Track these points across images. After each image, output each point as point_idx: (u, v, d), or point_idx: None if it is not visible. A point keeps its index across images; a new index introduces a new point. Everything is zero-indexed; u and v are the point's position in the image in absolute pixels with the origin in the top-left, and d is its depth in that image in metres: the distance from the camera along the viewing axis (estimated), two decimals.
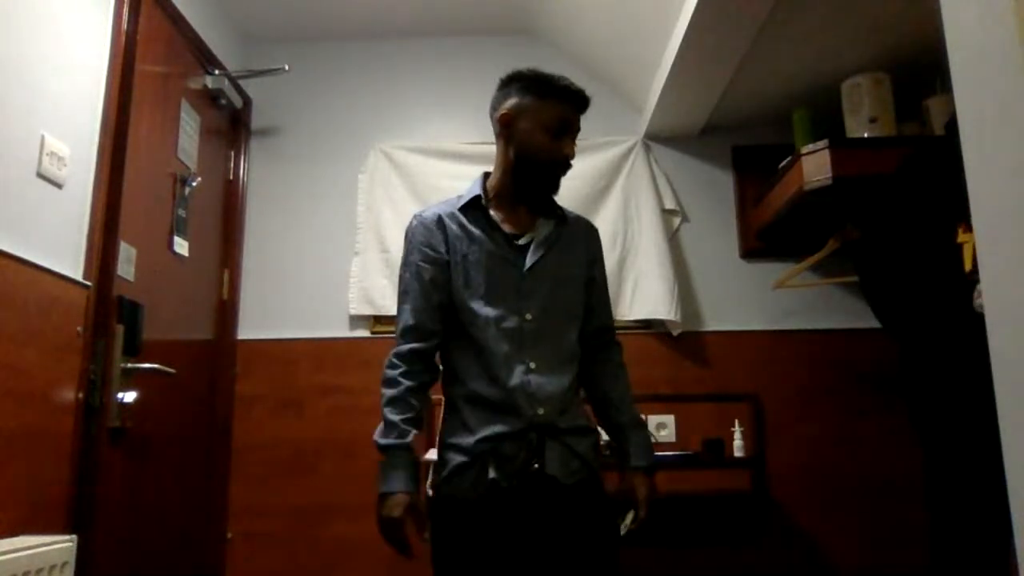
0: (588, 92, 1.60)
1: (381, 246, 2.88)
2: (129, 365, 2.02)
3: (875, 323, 2.68)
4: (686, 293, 2.84)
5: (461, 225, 1.54)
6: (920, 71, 2.39)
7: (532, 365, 1.47)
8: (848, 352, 2.77)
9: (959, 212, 1.66)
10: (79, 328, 1.86)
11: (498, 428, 1.44)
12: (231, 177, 2.91)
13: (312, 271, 2.92)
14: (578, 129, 1.61)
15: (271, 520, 2.70)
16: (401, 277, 1.56)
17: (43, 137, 1.77)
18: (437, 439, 1.56)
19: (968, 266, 1.63)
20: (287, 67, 2.84)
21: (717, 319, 2.86)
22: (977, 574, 1.61)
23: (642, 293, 2.79)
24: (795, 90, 2.66)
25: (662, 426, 2.75)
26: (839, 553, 2.65)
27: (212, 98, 2.71)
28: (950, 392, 1.71)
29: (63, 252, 1.85)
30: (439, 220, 1.55)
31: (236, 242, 2.89)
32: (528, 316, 1.48)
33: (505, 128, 1.57)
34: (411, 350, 1.49)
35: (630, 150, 2.94)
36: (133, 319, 2.06)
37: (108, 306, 1.96)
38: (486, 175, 1.63)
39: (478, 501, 1.42)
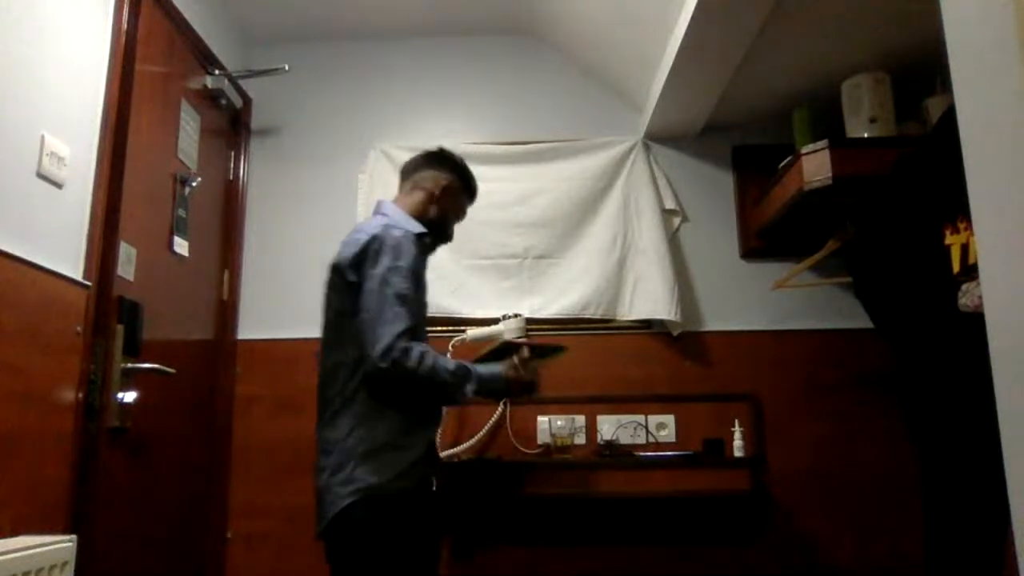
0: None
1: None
2: (129, 365, 2.02)
3: None
4: (686, 293, 2.84)
5: (420, 249, 1.81)
6: (920, 71, 2.39)
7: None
8: (848, 352, 2.77)
9: (947, 213, 1.66)
10: (79, 328, 1.86)
11: (432, 435, 1.80)
12: (231, 177, 2.91)
13: (312, 271, 2.89)
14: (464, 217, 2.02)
15: (271, 520, 2.70)
16: (393, 280, 1.68)
17: (43, 137, 1.77)
18: (371, 443, 1.67)
19: (956, 268, 1.63)
20: (287, 67, 2.84)
21: (717, 319, 2.86)
22: (972, 573, 1.61)
23: (642, 293, 2.79)
24: (795, 90, 2.66)
25: (662, 426, 2.75)
26: (839, 553, 2.65)
27: (212, 98, 2.71)
28: (940, 393, 1.71)
29: (63, 252, 1.85)
30: (418, 239, 1.80)
31: (236, 242, 2.89)
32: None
33: (442, 194, 1.90)
34: (411, 330, 1.68)
35: (630, 150, 2.94)
36: (133, 319, 2.06)
37: (108, 306, 1.96)
38: (391, 203, 1.93)
39: (416, 493, 1.68)
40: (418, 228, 1.83)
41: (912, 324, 1.78)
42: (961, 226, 1.63)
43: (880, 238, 1.93)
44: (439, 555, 1.85)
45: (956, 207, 1.64)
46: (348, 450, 1.65)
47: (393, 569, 1.61)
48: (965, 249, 1.62)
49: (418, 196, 1.91)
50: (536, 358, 1.85)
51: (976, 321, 1.49)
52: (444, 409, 1.89)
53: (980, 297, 1.50)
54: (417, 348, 1.64)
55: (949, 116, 1.78)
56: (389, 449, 1.66)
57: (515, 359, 1.78)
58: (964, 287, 1.59)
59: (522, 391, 1.80)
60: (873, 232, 1.98)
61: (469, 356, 1.92)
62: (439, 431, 1.88)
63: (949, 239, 1.65)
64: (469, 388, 1.70)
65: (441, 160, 1.95)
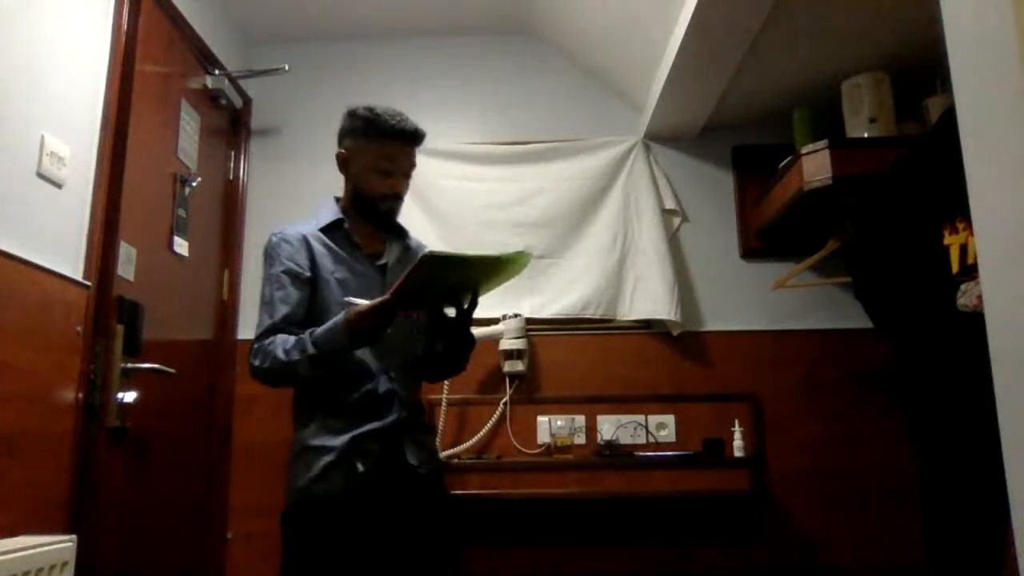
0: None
1: None
2: (129, 365, 2.02)
3: None
4: (686, 293, 2.84)
5: (326, 244, 1.67)
6: (920, 71, 2.39)
7: (393, 374, 1.64)
8: (848, 352, 2.77)
9: (946, 213, 1.66)
10: (79, 328, 1.86)
11: (365, 428, 1.58)
12: (231, 177, 2.91)
13: None
14: (411, 164, 1.73)
15: (271, 520, 2.68)
16: (264, 291, 1.63)
17: (43, 137, 1.77)
18: (292, 448, 1.66)
19: (955, 268, 1.63)
20: (287, 67, 2.84)
21: (717, 319, 2.86)
22: (972, 574, 1.61)
23: (642, 293, 2.79)
24: (795, 90, 2.66)
25: (662, 426, 2.75)
26: (839, 553, 2.65)
27: (212, 98, 2.71)
28: (939, 393, 1.71)
29: (63, 252, 1.85)
30: (303, 238, 1.65)
31: (236, 242, 2.89)
32: (391, 331, 1.53)
33: (342, 166, 1.75)
34: (275, 328, 1.58)
35: (630, 150, 2.94)
36: (133, 319, 2.06)
37: (108, 306, 1.96)
38: (337, 199, 1.78)
39: (346, 497, 1.54)
40: (316, 223, 1.70)
41: (911, 324, 1.78)
42: (960, 226, 1.63)
43: (879, 238, 1.93)
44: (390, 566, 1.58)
45: (955, 207, 1.64)
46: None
47: None
48: (964, 249, 1.62)
49: (343, 180, 1.78)
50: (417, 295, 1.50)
51: (975, 321, 1.49)
52: (388, 401, 1.62)
53: (979, 297, 1.51)
54: (261, 344, 1.56)
55: (949, 116, 1.78)
56: (307, 452, 1.60)
57: (360, 304, 1.49)
58: (963, 287, 1.60)
59: (373, 331, 1.48)
60: (873, 232, 1.98)
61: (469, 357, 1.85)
62: (380, 424, 1.60)
63: (948, 239, 1.66)
64: (308, 354, 1.50)
65: (342, 124, 1.78)
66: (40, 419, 1.71)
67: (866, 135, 2.40)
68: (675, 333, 2.81)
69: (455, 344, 1.63)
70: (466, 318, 1.55)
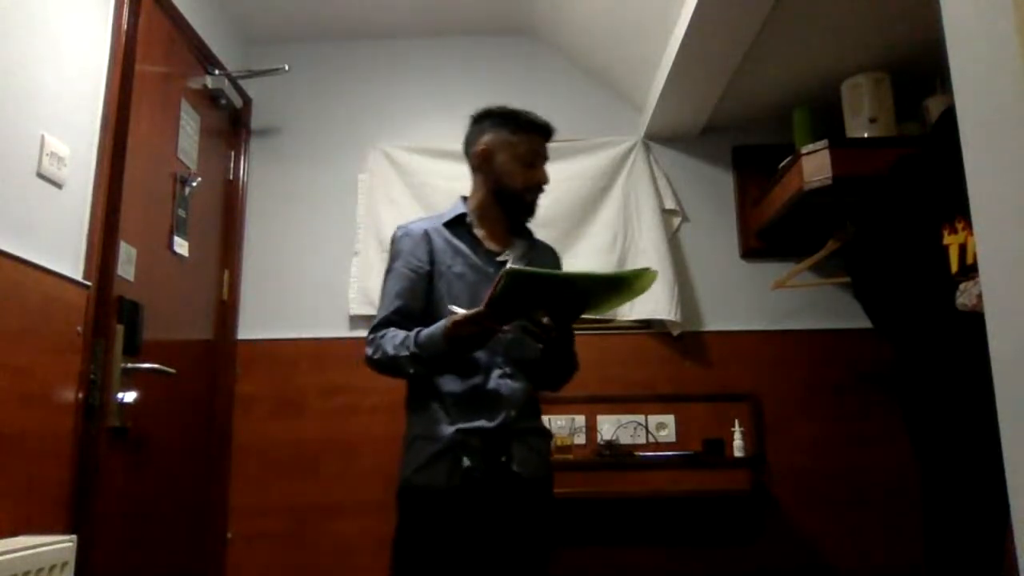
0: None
1: (381, 246, 2.88)
2: (129, 365, 2.02)
3: None
4: (686, 293, 2.84)
5: (446, 240, 1.68)
6: (920, 71, 2.39)
7: (507, 371, 1.61)
8: (848, 352, 2.77)
9: (945, 213, 1.66)
10: (79, 328, 1.86)
11: (473, 424, 1.56)
12: (231, 177, 2.91)
13: (312, 271, 2.92)
14: (547, 157, 1.75)
15: (271, 520, 2.70)
16: (384, 283, 1.68)
17: (43, 137, 1.77)
18: (405, 436, 1.64)
19: (954, 268, 1.63)
20: (287, 67, 2.84)
21: (717, 319, 2.86)
22: (972, 573, 1.61)
23: None
24: (795, 90, 2.66)
25: (662, 426, 2.75)
26: (839, 553, 2.65)
27: (212, 98, 2.71)
28: (939, 392, 1.71)
29: (63, 252, 1.85)
30: (425, 233, 1.68)
31: (236, 242, 2.89)
32: (507, 328, 1.52)
33: (484, 162, 1.72)
34: (388, 321, 1.61)
35: (630, 150, 2.94)
36: (133, 319, 2.06)
37: (108, 306, 1.96)
38: (465, 199, 1.78)
39: (449, 490, 1.52)
40: (456, 212, 1.72)
41: (911, 323, 1.78)
42: (959, 226, 1.63)
43: (879, 238, 1.93)
44: (492, 563, 1.55)
45: (954, 208, 1.64)
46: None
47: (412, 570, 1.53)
48: (963, 249, 1.62)
49: (477, 179, 1.76)
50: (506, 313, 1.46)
51: (974, 320, 1.49)
52: (504, 393, 1.59)
53: (978, 296, 1.51)
54: (375, 336, 1.60)
55: (948, 116, 1.78)
56: (416, 441, 1.59)
57: (459, 313, 1.47)
58: (962, 286, 1.60)
59: (469, 341, 1.50)
60: (872, 232, 1.98)
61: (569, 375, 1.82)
62: (495, 419, 1.56)
63: (947, 239, 1.66)
64: (411, 353, 1.53)
65: (473, 125, 1.79)
66: (40, 419, 1.71)
67: (866, 135, 2.40)
68: (675, 333, 2.81)
69: (552, 360, 1.64)
70: (559, 337, 1.53)
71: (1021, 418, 0.74)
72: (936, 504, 1.72)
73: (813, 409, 2.75)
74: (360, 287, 2.86)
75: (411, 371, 1.55)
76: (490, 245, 1.70)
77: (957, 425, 1.63)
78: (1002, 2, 0.75)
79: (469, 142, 1.77)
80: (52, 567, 1.54)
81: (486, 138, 1.73)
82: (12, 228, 1.66)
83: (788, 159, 2.47)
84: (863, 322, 2.14)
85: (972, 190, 0.83)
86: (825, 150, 2.28)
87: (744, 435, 2.66)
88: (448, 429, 1.55)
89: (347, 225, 2.93)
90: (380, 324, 1.61)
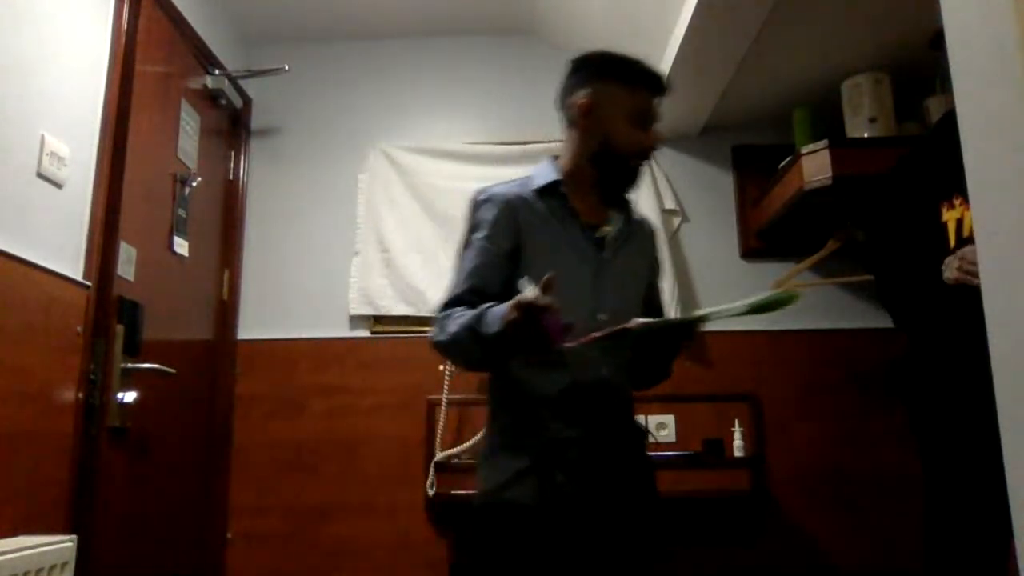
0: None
1: (381, 246, 2.88)
2: (129, 365, 2.02)
3: (875, 323, 2.68)
4: (686, 293, 2.84)
5: (536, 209, 1.43)
6: (920, 71, 2.39)
7: (605, 371, 1.40)
8: (848, 352, 2.77)
9: (943, 192, 1.66)
10: (79, 328, 1.86)
11: (564, 433, 1.35)
12: (231, 177, 2.91)
13: (312, 271, 2.92)
14: (659, 116, 1.47)
15: (271, 520, 2.70)
16: (458, 256, 1.45)
17: (43, 137, 1.77)
18: (482, 447, 1.46)
19: (952, 243, 1.62)
20: (287, 67, 2.84)
21: (717, 319, 2.86)
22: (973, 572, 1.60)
23: None
24: (795, 90, 2.66)
25: (662, 426, 2.75)
26: (839, 553, 2.64)
27: (212, 98, 2.71)
28: (946, 386, 1.70)
29: (63, 252, 1.85)
30: (511, 200, 1.43)
31: (236, 242, 2.89)
32: (602, 316, 1.35)
33: (584, 117, 1.45)
34: (458, 299, 1.36)
35: None
36: (133, 319, 2.06)
37: (108, 306, 1.96)
38: (554, 159, 1.51)
39: (540, 508, 1.31)
40: (549, 179, 1.46)
41: (924, 310, 1.77)
42: (956, 202, 1.63)
43: (887, 231, 1.92)
44: None
45: (952, 187, 1.64)
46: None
47: None
48: (960, 224, 1.62)
49: (572, 136, 1.49)
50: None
51: (960, 293, 1.49)
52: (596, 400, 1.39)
53: (958, 269, 1.50)
54: (442, 316, 1.36)
55: (948, 119, 1.79)
56: (496, 454, 1.40)
57: (529, 292, 1.19)
58: (946, 261, 1.59)
59: (528, 339, 1.19)
60: (880, 227, 1.97)
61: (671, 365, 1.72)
62: (581, 429, 1.37)
63: (945, 216, 1.66)
64: (474, 331, 1.27)
65: (573, 74, 1.50)
66: (40, 419, 1.71)
67: (866, 135, 2.40)
68: None
69: (648, 368, 1.48)
70: (666, 354, 1.40)
71: (1021, 418, 0.74)
72: (938, 503, 1.72)
73: (813, 409, 2.75)
74: (360, 287, 2.86)
75: (477, 356, 1.30)
76: (586, 217, 1.45)
77: (961, 421, 1.62)
78: (1002, 2, 0.75)
79: (566, 91, 1.50)
80: (52, 567, 1.54)
81: (593, 87, 1.44)
82: (12, 228, 1.66)
83: (788, 159, 2.47)
84: (863, 322, 2.15)
85: (972, 190, 0.83)
86: (825, 150, 2.28)
87: (744, 435, 2.66)
88: (536, 441, 1.35)
89: (347, 225, 2.93)
90: (450, 303, 1.37)
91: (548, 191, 1.45)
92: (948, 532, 1.66)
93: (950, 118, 1.77)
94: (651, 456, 1.54)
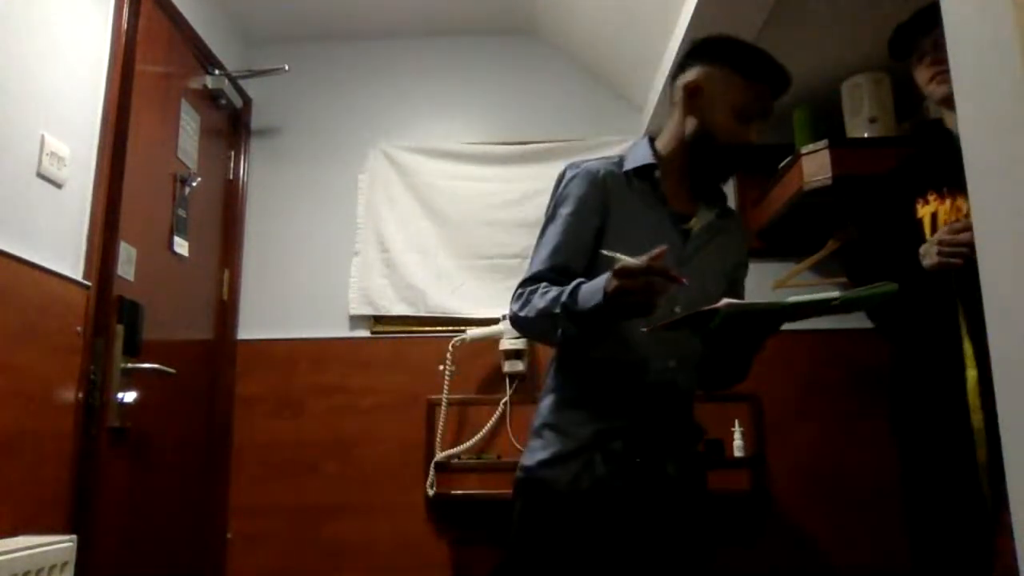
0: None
1: (381, 246, 2.88)
2: (129, 365, 2.02)
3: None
4: None
5: (627, 190, 1.38)
6: None
7: (672, 363, 1.36)
8: (848, 352, 2.77)
9: (918, 189, 1.66)
10: (79, 328, 1.86)
11: (617, 422, 1.32)
12: (231, 177, 2.91)
13: (312, 271, 2.92)
14: (768, 113, 1.42)
15: (271, 520, 2.70)
16: (542, 230, 1.41)
17: (43, 137, 1.77)
18: (539, 417, 1.41)
19: (928, 237, 1.62)
20: (287, 67, 2.84)
21: None
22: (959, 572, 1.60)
23: None
24: (795, 90, 2.61)
25: None
26: (839, 553, 2.64)
27: (212, 98, 2.71)
28: (928, 385, 1.70)
29: (63, 252, 1.85)
30: (602, 177, 1.38)
31: (236, 242, 2.89)
32: (677, 309, 1.30)
33: (689, 98, 1.39)
34: (540, 276, 1.34)
35: None
36: (133, 319, 2.06)
37: (108, 306, 1.96)
38: (652, 140, 1.46)
39: (573, 495, 1.30)
40: (644, 161, 1.40)
41: (905, 307, 1.77)
42: (931, 197, 1.64)
43: (865, 236, 1.92)
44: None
45: (927, 184, 1.64)
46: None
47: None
48: (935, 217, 1.62)
49: (675, 116, 1.43)
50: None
51: (939, 285, 1.49)
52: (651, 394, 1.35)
53: (937, 254, 1.50)
54: (525, 290, 1.33)
55: (922, 126, 1.82)
56: (545, 429, 1.37)
57: (624, 261, 1.15)
58: (922, 249, 1.58)
59: (631, 306, 1.16)
60: (860, 235, 1.97)
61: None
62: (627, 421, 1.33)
63: (920, 212, 1.66)
64: (562, 304, 1.24)
65: (689, 57, 1.43)
66: (40, 419, 1.71)
67: (866, 135, 2.40)
68: None
69: (726, 366, 1.42)
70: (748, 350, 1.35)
71: (1021, 418, 0.74)
72: (920, 502, 1.73)
73: (813, 409, 2.75)
74: (360, 287, 2.86)
75: (559, 332, 1.27)
76: (676, 205, 1.39)
77: (943, 417, 1.62)
78: (1002, 2, 0.75)
79: (679, 70, 1.43)
80: (52, 567, 1.54)
81: (704, 69, 1.38)
82: (12, 228, 1.66)
83: (788, 159, 2.46)
84: (863, 322, 2.13)
85: (972, 190, 0.83)
86: (825, 150, 2.28)
87: (744, 435, 2.66)
88: (584, 428, 1.32)
89: (347, 225, 2.93)
90: (531, 279, 1.34)
91: (641, 173, 1.40)
92: (932, 534, 1.66)
93: (924, 126, 1.80)
94: (704, 456, 1.48)
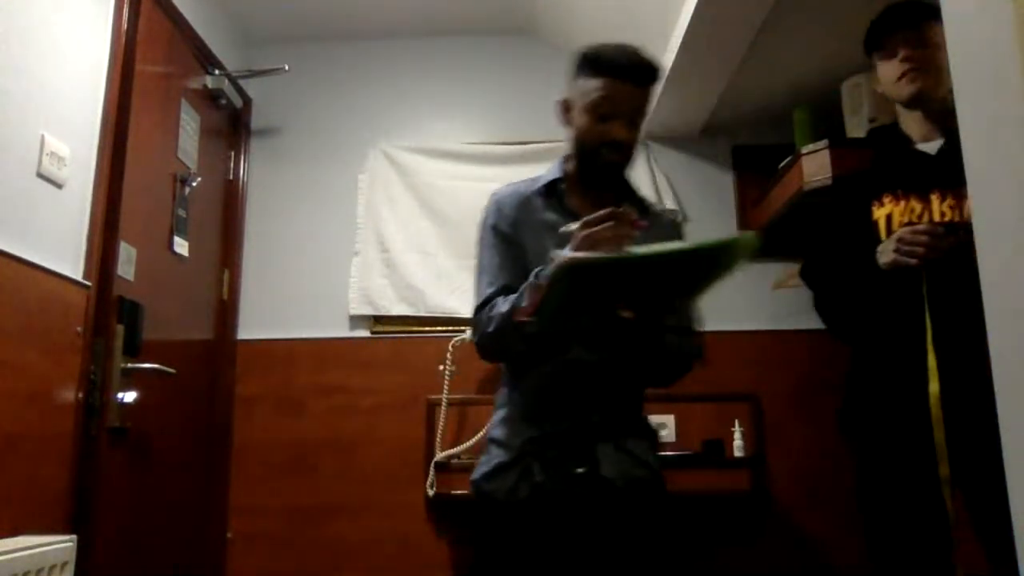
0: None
1: (381, 246, 2.88)
2: (129, 365, 2.02)
3: None
4: None
5: (533, 208, 1.46)
6: None
7: (592, 360, 1.38)
8: (848, 352, 2.76)
9: (873, 193, 1.66)
10: (79, 328, 1.86)
11: (544, 429, 1.36)
12: (231, 177, 2.91)
13: (312, 271, 2.92)
14: (637, 105, 1.40)
15: (271, 520, 2.70)
16: (478, 257, 1.48)
17: (43, 137, 1.77)
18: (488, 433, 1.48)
19: (883, 238, 1.62)
20: (287, 67, 2.84)
21: (717, 319, 2.85)
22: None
23: None
24: (795, 90, 2.66)
25: (662, 426, 2.74)
26: (839, 553, 2.64)
27: (212, 98, 2.71)
28: (885, 386, 1.70)
29: (63, 252, 1.85)
30: (515, 199, 1.47)
31: (236, 242, 2.89)
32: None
33: (563, 114, 1.48)
34: (490, 299, 1.39)
35: None
36: (133, 319, 2.06)
37: (108, 306, 1.96)
38: (567, 158, 1.51)
39: (512, 504, 1.34)
40: (551, 177, 1.49)
41: (862, 308, 1.77)
42: (886, 200, 1.64)
43: (821, 243, 1.91)
44: None
45: (882, 188, 1.65)
46: None
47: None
48: (889, 219, 1.63)
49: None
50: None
51: (896, 286, 1.49)
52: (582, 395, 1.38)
53: (894, 252, 1.50)
54: (479, 316, 1.39)
55: (876, 131, 1.85)
56: (489, 443, 1.44)
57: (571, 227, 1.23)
58: (880, 247, 1.58)
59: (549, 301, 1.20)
60: (815, 242, 1.96)
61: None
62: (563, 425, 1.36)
63: (875, 215, 1.66)
64: (512, 306, 1.30)
65: (569, 78, 1.48)
66: (40, 419, 1.71)
67: (866, 135, 2.40)
68: None
69: (645, 355, 1.41)
70: (647, 332, 1.34)
71: (1021, 418, 0.74)
72: (874, 509, 1.73)
73: (813, 409, 2.75)
74: (360, 287, 2.86)
75: (522, 335, 1.29)
76: (585, 213, 1.35)
77: (899, 422, 1.63)
78: (1002, 2, 0.75)
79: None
80: (52, 567, 1.54)
81: (567, 86, 1.47)
82: (12, 228, 1.66)
83: (788, 159, 2.46)
84: None
85: (972, 190, 0.83)
86: (825, 150, 2.28)
87: (744, 435, 2.66)
88: (518, 436, 1.37)
89: (347, 225, 2.93)
90: (482, 304, 1.40)
91: (549, 190, 1.49)
92: (892, 550, 1.67)
93: (879, 130, 1.81)
94: (658, 457, 1.47)
